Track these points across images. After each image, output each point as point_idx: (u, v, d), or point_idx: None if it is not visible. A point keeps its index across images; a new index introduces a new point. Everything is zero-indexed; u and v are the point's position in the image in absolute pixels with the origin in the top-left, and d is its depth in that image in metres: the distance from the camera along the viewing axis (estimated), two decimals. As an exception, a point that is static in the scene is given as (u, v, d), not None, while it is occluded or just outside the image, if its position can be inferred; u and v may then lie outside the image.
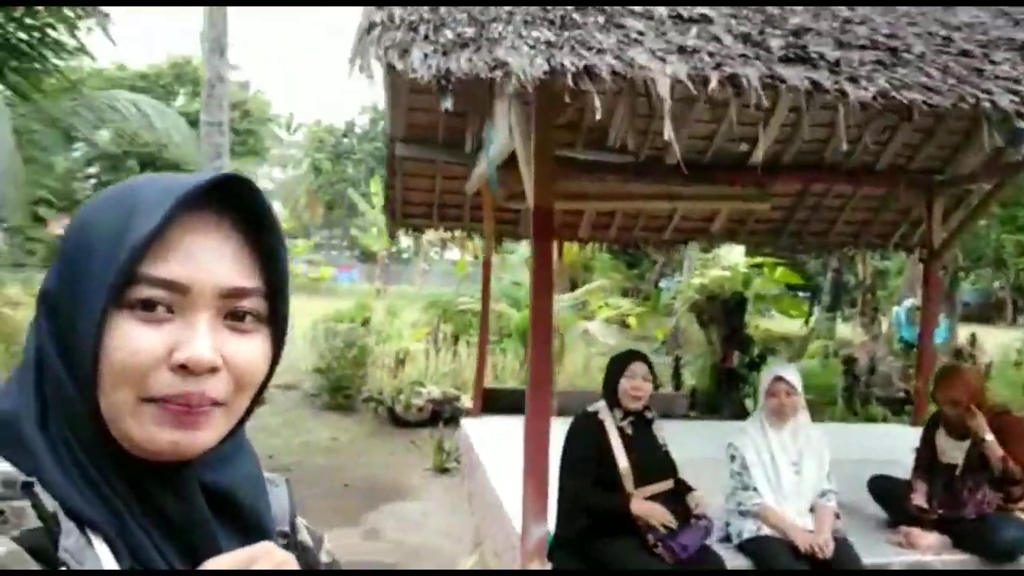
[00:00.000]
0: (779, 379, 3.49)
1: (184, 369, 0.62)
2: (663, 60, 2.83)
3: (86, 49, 8.52)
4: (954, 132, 5.84)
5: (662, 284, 17.78)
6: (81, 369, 0.62)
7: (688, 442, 5.48)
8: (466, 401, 8.00)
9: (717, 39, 3.20)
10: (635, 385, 3.15)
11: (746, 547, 3.33)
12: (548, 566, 3.14)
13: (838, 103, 2.81)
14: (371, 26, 2.93)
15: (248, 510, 0.70)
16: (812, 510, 3.42)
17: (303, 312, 10.68)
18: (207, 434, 0.65)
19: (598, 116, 2.74)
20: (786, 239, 7.65)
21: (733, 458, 3.51)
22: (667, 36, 3.17)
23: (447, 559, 4.30)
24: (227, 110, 9.23)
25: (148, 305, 0.62)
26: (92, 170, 30.48)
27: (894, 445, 6.07)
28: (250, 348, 0.67)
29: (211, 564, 0.60)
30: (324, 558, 0.82)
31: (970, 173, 5.95)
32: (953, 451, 3.80)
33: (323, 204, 36.55)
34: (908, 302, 10.98)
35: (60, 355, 0.63)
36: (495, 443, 5.03)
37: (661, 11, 3.48)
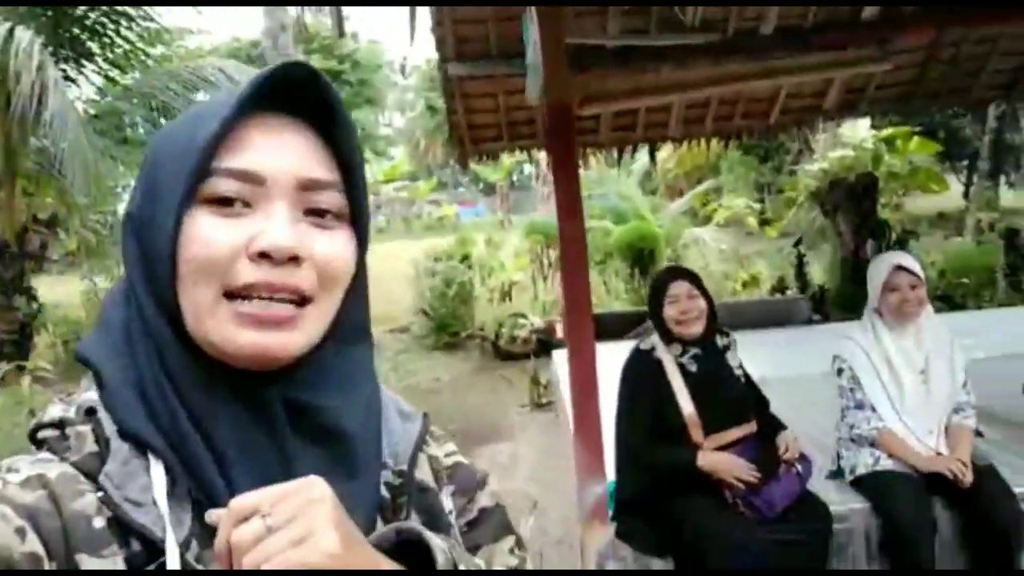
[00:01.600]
0: (900, 268, 2.76)
1: (265, 258, 0.60)
2: None
3: (167, 28, 8.71)
4: None
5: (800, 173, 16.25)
6: (160, 270, 0.61)
7: (807, 353, 4.78)
8: (571, 328, 7.57)
9: None
10: (682, 309, 2.55)
11: (863, 483, 2.71)
12: (611, 529, 2.68)
13: None
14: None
15: (348, 437, 0.65)
16: (946, 430, 2.74)
17: (413, 251, 10.56)
18: (293, 336, 0.61)
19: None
20: (919, 102, 6.47)
21: (840, 372, 2.84)
22: None
23: (521, 513, 3.93)
24: (296, 54, 9.03)
25: (225, 201, 0.61)
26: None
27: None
28: (333, 243, 0.64)
29: (236, 500, 0.54)
30: (486, 502, 0.77)
31: None
32: None
33: (441, 143, 36.56)
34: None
35: (142, 270, 0.63)
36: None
37: None
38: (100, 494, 0.57)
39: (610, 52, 5.09)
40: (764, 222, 13.05)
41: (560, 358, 5.80)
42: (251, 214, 0.61)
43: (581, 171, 6.85)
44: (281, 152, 0.63)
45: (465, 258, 9.84)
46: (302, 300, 0.62)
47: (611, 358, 2.86)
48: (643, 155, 13.80)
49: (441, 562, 0.61)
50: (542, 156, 7.70)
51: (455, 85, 5.70)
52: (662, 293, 2.61)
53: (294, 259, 0.61)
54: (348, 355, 0.68)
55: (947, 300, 7.47)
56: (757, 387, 2.75)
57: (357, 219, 0.67)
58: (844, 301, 7.28)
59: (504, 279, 9.74)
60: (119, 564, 0.56)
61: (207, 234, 0.60)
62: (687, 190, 15.90)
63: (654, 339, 2.69)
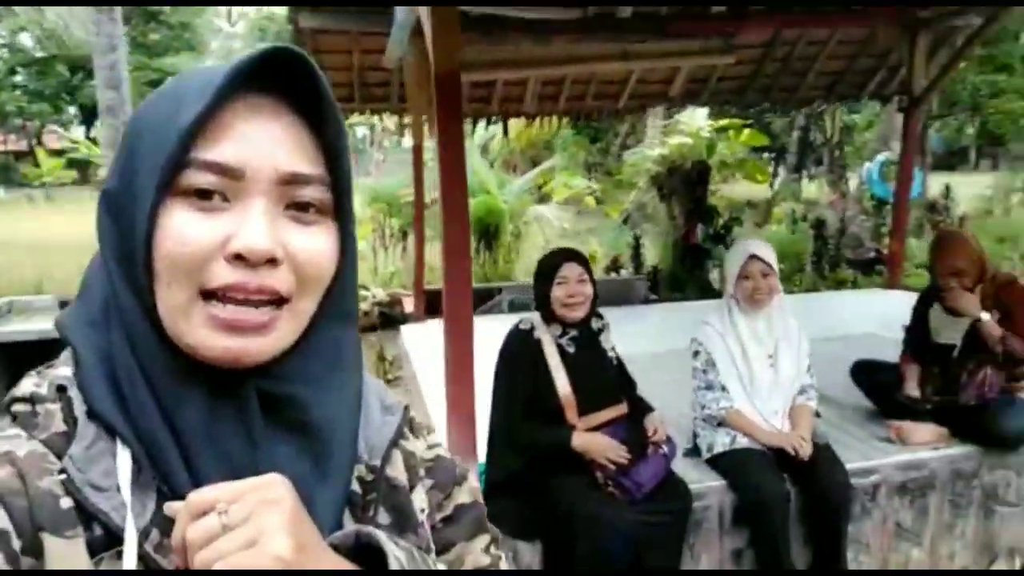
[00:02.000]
0: (753, 258, 2.88)
1: (240, 259, 0.58)
2: None
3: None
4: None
5: (626, 156, 16.95)
6: (135, 263, 0.59)
7: (648, 332, 4.97)
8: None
9: None
10: (570, 292, 2.52)
11: (719, 462, 2.83)
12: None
13: None
14: None
15: (321, 430, 0.63)
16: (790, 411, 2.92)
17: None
18: (267, 340, 0.60)
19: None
20: (753, 96, 6.90)
21: (697, 354, 2.95)
22: None
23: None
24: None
25: (203, 194, 0.58)
26: (19, 79, 28.30)
27: (870, 313, 5.64)
28: (313, 241, 0.62)
29: (194, 494, 0.53)
30: (464, 498, 0.75)
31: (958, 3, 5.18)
32: (950, 330, 3.27)
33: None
34: (881, 156, 10.40)
35: (117, 254, 0.61)
36: (434, 352, 4.45)
37: None
38: (63, 476, 0.56)
39: (472, 20, 4.94)
40: (597, 202, 13.51)
41: (410, 333, 5.64)
42: (229, 209, 0.59)
43: (425, 140, 6.72)
44: (262, 143, 0.60)
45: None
46: (279, 300, 0.60)
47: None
48: (480, 129, 13.84)
49: (395, 568, 0.59)
50: (387, 122, 7.43)
51: (307, 37, 5.30)
52: (552, 273, 2.55)
53: (271, 261, 0.58)
54: (331, 344, 0.66)
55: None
56: (626, 369, 2.77)
57: (341, 211, 0.65)
58: (674, 282, 7.70)
59: (344, 247, 9.35)
60: (81, 546, 0.56)
61: (182, 231, 0.57)
62: (521, 166, 16.11)
63: (534, 318, 2.63)
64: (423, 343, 4.96)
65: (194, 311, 0.58)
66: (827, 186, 13.68)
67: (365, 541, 0.60)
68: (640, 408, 2.69)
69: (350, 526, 0.63)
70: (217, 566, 0.51)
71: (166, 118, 0.58)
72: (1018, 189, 15.20)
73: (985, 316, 3.08)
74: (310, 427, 0.63)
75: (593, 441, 2.46)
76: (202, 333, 0.58)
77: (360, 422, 0.68)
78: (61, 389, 0.60)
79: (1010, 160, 20.99)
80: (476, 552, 0.75)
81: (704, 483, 2.77)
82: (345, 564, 0.58)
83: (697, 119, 8.24)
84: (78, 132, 27.24)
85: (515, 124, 10.36)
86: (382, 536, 0.61)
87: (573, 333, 2.59)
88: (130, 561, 0.55)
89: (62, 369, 0.62)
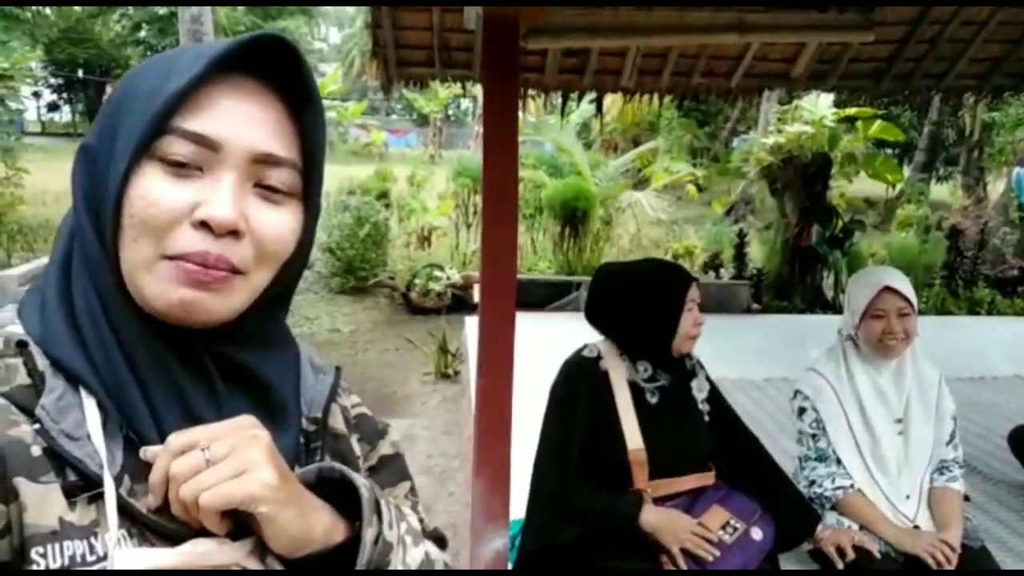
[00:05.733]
0: (889, 291, 2.17)
1: (205, 227, 0.61)
2: None
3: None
4: None
5: (735, 143, 15.77)
6: (105, 218, 0.62)
7: (746, 352, 4.20)
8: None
9: None
10: (698, 319, 1.96)
11: (826, 559, 2.15)
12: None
13: None
14: None
15: (273, 391, 0.69)
16: (927, 494, 2.21)
17: (332, 179, 9.57)
18: (221, 300, 0.64)
19: None
20: (891, 83, 5.94)
21: (803, 412, 2.28)
22: None
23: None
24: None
25: (178, 162, 0.62)
26: (142, 35, 29.52)
27: (1017, 346, 4.71)
28: (277, 219, 0.66)
29: (175, 435, 0.59)
30: (386, 450, 0.82)
31: None
32: None
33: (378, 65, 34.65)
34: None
35: (88, 208, 0.64)
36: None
37: None
38: (36, 426, 0.59)
39: (566, -23, 4.31)
40: (699, 189, 12.61)
41: (473, 325, 5.12)
42: (201, 178, 0.62)
43: (520, 114, 6.13)
44: (242, 121, 0.63)
45: (383, 195, 8.95)
46: (235, 271, 0.63)
47: (528, 334, 2.22)
48: (584, 105, 13.06)
49: (366, 497, 0.65)
50: (478, 91, 6.90)
51: (382, -9, 4.80)
52: (680, 295, 1.95)
53: (234, 232, 0.62)
54: (269, 318, 0.70)
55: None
56: (735, 420, 2.14)
57: (309, 197, 0.68)
58: (781, 289, 6.85)
59: (424, 223, 8.93)
60: (56, 491, 0.58)
61: (154, 193, 0.61)
62: (623, 147, 15.30)
63: (601, 345, 2.04)
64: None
65: (157, 267, 0.61)
66: (961, 190, 12.26)
67: (327, 476, 0.67)
68: (755, 474, 2.05)
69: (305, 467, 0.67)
70: (204, 497, 0.56)
71: (155, 85, 0.61)
72: None
73: None
74: (261, 384, 0.68)
75: (668, 520, 1.85)
76: (159, 286, 0.61)
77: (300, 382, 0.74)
78: (21, 344, 0.62)
79: None
80: (400, 498, 0.81)
81: (803, 582, 2.11)
82: (314, 498, 0.64)
83: (820, 106, 7.29)
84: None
85: (615, 101, 9.64)
86: (347, 469, 0.68)
87: (662, 381, 1.99)
88: (111, 504, 0.58)
89: (15, 326, 0.64)
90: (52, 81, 35.87)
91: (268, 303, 0.68)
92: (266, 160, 0.64)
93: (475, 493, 2.12)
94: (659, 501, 1.93)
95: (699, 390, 2.04)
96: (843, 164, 7.54)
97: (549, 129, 9.95)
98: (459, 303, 7.11)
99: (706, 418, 2.04)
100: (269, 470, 0.57)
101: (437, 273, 7.35)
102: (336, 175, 9.72)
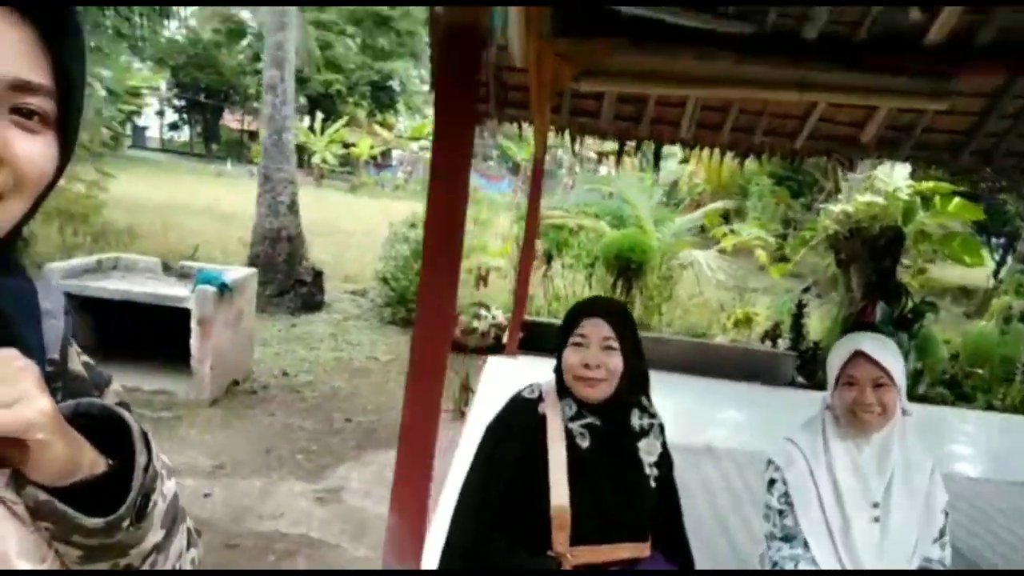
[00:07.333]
0: (863, 356, 1.93)
1: None
2: None
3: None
4: None
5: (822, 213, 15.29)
6: None
7: (771, 424, 3.90)
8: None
9: None
10: (586, 359, 1.76)
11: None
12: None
13: None
14: None
15: (12, 320, 0.67)
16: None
17: (402, 212, 9.77)
18: None
19: None
20: (969, 158, 5.60)
21: (772, 484, 2.03)
22: None
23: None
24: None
25: None
26: (259, 65, 31.45)
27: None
28: (34, 147, 0.65)
29: None
30: (111, 399, 0.79)
31: None
32: None
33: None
34: None
35: None
36: (499, 393, 3.78)
37: None
38: None
39: (622, 20, 4.28)
40: (782, 259, 12.17)
41: (495, 367, 5.02)
42: None
43: (611, 168, 6.05)
44: None
45: (444, 231, 9.04)
46: None
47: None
48: (673, 164, 12.82)
49: (136, 428, 0.67)
50: (589, 145, 6.87)
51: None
52: (570, 328, 1.82)
53: None
54: (10, 247, 0.69)
55: (954, 387, 6.60)
56: (675, 493, 1.95)
57: (65, 127, 0.68)
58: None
59: (483, 262, 8.93)
60: None
61: None
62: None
63: (545, 385, 1.90)
64: (503, 380, 4.31)
65: None
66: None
67: (83, 411, 0.66)
68: (675, 552, 1.85)
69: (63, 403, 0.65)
70: None
71: None
72: None
73: None
74: (6, 317, 0.66)
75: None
76: None
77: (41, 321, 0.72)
78: None
79: None
80: None
81: None
82: (75, 432, 0.63)
83: (895, 177, 6.90)
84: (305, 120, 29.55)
85: (702, 162, 9.42)
86: (110, 404, 0.69)
87: (590, 420, 1.81)
88: None
89: None
90: (176, 103, 38.56)
91: (13, 233, 0.67)
92: (23, 87, 0.62)
93: (389, 530, 2.00)
94: (584, 570, 1.74)
95: (648, 452, 1.85)
96: (916, 241, 7.09)
97: (631, 187, 9.75)
98: (499, 345, 7.03)
99: (652, 483, 1.85)
100: (44, 400, 0.57)
101: (483, 312, 7.31)
102: (405, 210, 9.89)
